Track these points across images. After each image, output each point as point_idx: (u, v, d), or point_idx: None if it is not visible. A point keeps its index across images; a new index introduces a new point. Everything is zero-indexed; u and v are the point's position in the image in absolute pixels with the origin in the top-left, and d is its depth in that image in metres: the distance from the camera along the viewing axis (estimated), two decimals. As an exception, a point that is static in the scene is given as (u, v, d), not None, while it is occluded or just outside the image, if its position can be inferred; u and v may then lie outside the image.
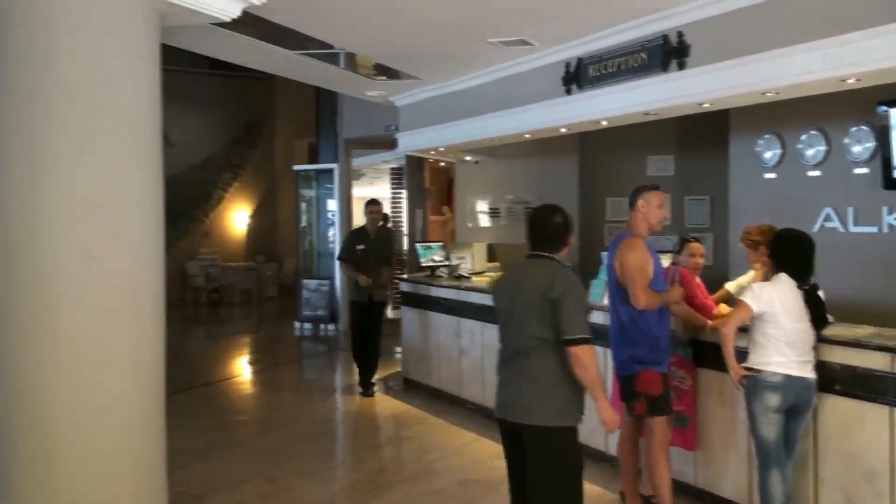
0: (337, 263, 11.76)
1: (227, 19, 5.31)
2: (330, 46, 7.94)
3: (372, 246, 9.24)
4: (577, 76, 7.66)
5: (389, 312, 13.46)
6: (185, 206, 19.25)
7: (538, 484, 3.90)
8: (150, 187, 4.61)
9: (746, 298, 4.68)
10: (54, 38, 4.26)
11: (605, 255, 5.76)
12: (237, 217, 21.07)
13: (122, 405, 4.42)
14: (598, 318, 6.12)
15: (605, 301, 5.75)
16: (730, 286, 6.14)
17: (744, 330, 4.81)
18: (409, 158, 12.63)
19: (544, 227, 4.11)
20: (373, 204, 9.40)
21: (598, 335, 5.16)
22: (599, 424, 4.02)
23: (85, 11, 4.33)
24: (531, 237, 4.15)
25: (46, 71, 4.23)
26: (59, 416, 4.24)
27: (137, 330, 4.50)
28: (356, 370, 9.53)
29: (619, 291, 5.15)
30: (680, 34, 6.53)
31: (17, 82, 4.22)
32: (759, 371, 4.62)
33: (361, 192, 15.29)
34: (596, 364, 3.90)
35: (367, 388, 9.36)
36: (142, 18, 4.59)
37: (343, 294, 14.72)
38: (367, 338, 9.27)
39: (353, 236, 9.54)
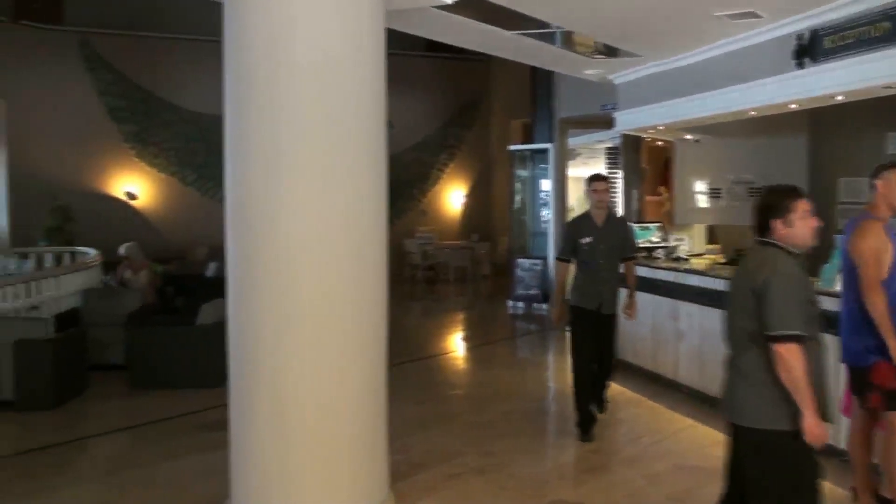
0: (553, 263, 9.28)
1: (449, 1, 5.37)
2: (547, 25, 7.90)
3: (602, 238, 6.92)
4: (811, 48, 7.21)
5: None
6: (404, 185, 19.93)
7: (753, 489, 3.64)
8: (375, 168, 4.72)
9: None
10: (293, 24, 4.41)
11: (839, 237, 5.44)
12: (453, 196, 21.59)
13: (348, 375, 4.61)
14: (829, 304, 5.75)
15: (838, 287, 5.44)
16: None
17: None
18: (626, 138, 12.39)
19: (754, 210, 3.74)
20: (597, 180, 6.96)
21: (830, 323, 4.83)
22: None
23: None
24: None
25: (285, 56, 4.40)
26: (293, 383, 4.51)
27: (362, 305, 4.65)
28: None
29: (852, 278, 4.85)
30: (928, -1, 6.05)
31: (257, 68, 4.44)
32: None
33: (576, 172, 15.18)
34: (801, 365, 3.41)
35: (599, 406, 7.26)
36: (368, 3, 4.66)
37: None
38: (598, 361, 7.03)
39: (574, 227, 7.07)
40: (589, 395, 6.88)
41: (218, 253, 13.92)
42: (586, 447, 6.70)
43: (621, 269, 7.07)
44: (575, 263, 6.94)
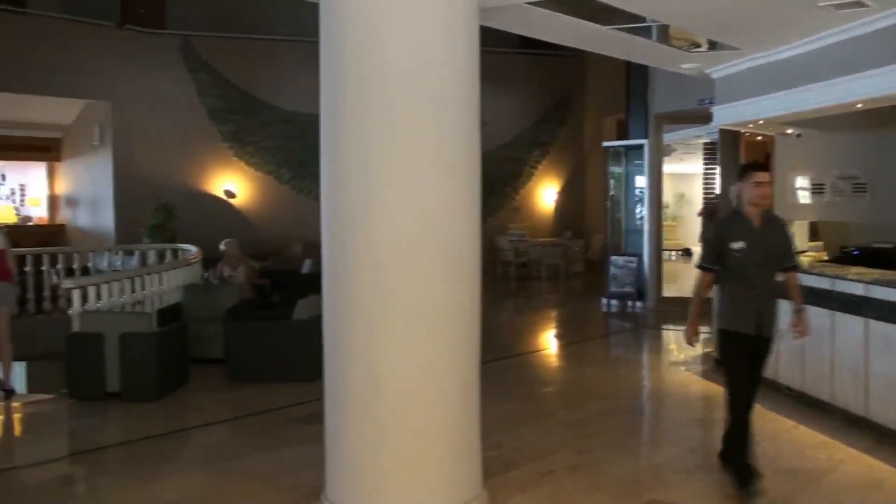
0: (695, 272, 5.98)
1: (542, -3, 5.32)
2: (642, 20, 7.77)
3: (758, 243, 5.49)
4: (921, 38, 6.95)
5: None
6: (497, 182, 19.88)
7: None
8: (469, 167, 4.70)
9: None
10: (387, 24, 4.41)
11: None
12: (546, 193, 21.50)
13: (441, 372, 4.61)
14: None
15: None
16: None
17: None
18: (724, 133, 12.13)
19: None
20: (759, 170, 5.58)
21: None
22: None
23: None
24: None
25: (379, 56, 4.41)
26: (387, 379, 4.54)
27: (456, 303, 4.64)
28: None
29: None
30: None
31: (351, 68, 4.46)
32: None
33: (671, 168, 14.96)
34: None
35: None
36: (462, 2, 4.61)
37: (651, 272, 14.52)
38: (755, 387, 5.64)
39: (723, 229, 5.64)
40: (750, 443, 5.55)
41: (313, 250, 14.09)
42: (682, 446, 6.56)
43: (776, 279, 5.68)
44: (719, 275, 5.58)
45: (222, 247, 11.80)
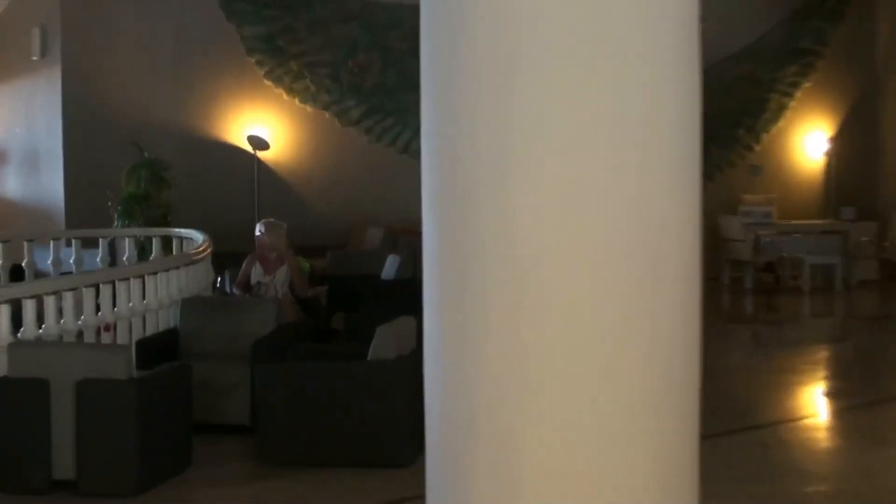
0: None
1: None
2: None
3: None
4: None
5: None
6: (721, 122, 19.34)
7: None
8: (680, 104, 4.56)
9: None
10: None
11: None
12: (807, 141, 21.02)
13: (639, 450, 4.47)
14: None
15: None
16: None
17: None
18: None
19: None
20: None
21: None
22: None
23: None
24: None
25: None
26: (537, 458, 4.43)
27: (657, 338, 4.51)
28: None
29: None
30: None
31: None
32: None
33: None
34: None
35: None
36: None
37: None
38: None
39: None
40: None
41: (402, 239, 14.04)
42: None
43: None
44: None
45: (258, 232, 11.78)
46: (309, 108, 18.36)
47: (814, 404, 12.11)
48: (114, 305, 10.55)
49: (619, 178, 4.46)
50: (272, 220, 12.18)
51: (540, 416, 4.48)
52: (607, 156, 4.43)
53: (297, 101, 18.33)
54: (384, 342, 8.95)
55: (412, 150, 15.57)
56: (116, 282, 10.75)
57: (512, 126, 4.44)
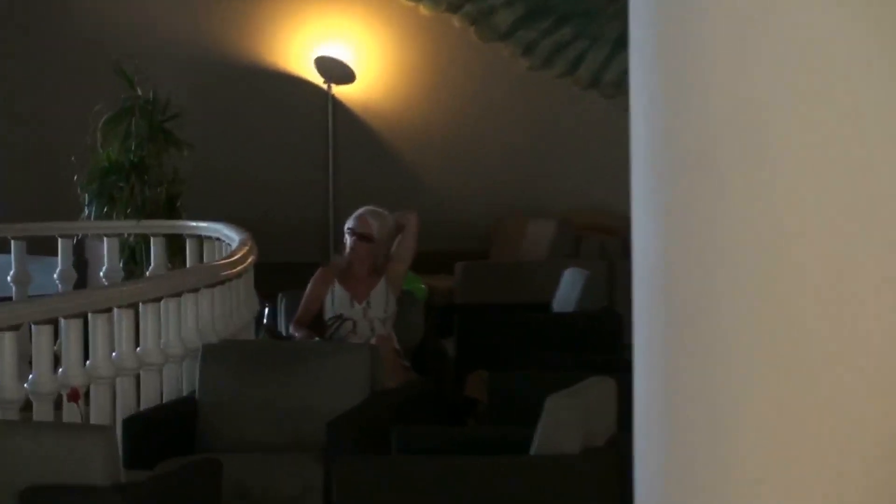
0: None
1: None
2: None
3: None
4: None
5: None
6: None
7: None
8: None
9: None
10: None
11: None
12: None
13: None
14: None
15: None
16: None
17: None
18: None
19: None
20: None
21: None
22: None
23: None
24: None
25: None
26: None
27: None
28: None
29: None
30: None
31: None
32: None
33: None
34: None
35: None
36: None
37: None
38: None
39: None
40: None
41: (590, 241, 12.62)
42: None
43: None
44: None
45: (350, 224, 10.32)
46: (424, 10, 13.92)
47: None
48: (85, 357, 8.47)
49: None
50: (372, 208, 10.27)
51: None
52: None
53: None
54: (560, 423, 7.46)
55: (605, 83, 11.79)
56: (90, 315, 8.54)
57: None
